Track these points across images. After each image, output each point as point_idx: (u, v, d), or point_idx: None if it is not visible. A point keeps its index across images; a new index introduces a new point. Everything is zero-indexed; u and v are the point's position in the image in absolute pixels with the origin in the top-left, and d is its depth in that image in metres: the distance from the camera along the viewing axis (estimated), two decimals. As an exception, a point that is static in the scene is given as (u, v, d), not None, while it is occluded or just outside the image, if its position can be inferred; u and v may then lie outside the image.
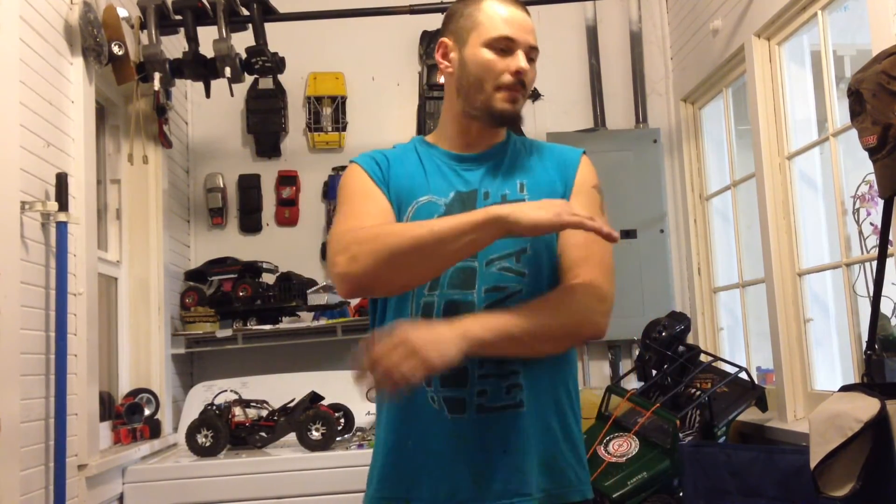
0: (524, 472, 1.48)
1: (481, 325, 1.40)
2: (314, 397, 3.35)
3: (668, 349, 3.33)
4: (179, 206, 3.98)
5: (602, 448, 3.06)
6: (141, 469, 3.08)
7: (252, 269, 3.88)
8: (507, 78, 1.54)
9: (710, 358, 3.45)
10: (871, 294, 2.39)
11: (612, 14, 4.39)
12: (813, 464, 2.16)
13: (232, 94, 3.59)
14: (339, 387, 3.50)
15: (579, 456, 1.56)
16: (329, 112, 4.22)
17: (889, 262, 2.36)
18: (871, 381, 2.30)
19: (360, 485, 1.61)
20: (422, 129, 4.10)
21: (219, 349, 3.84)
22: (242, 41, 3.37)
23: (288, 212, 4.19)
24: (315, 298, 3.77)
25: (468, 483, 1.47)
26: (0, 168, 2.19)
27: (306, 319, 3.90)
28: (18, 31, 2.34)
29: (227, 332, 3.77)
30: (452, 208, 1.54)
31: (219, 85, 3.45)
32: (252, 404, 3.42)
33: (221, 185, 4.14)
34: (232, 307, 3.81)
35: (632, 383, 3.67)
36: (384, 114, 4.25)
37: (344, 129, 4.22)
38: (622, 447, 3.04)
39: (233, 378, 3.71)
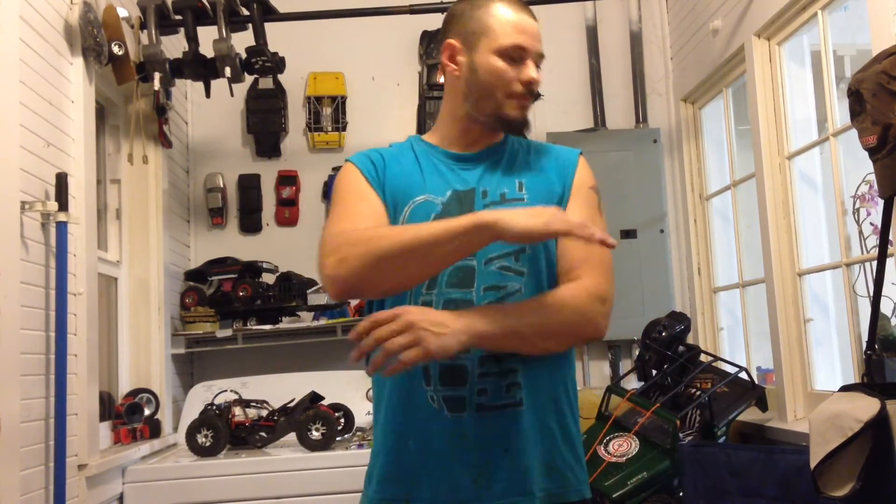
0: (524, 472, 1.48)
1: (486, 320, 1.40)
2: (314, 397, 3.35)
3: (668, 349, 3.33)
4: (179, 206, 3.98)
5: (602, 448, 3.06)
6: (141, 469, 3.08)
7: (252, 269, 3.88)
8: (518, 87, 1.55)
9: (710, 358, 3.45)
10: (871, 294, 2.39)
11: (612, 14, 4.39)
12: (813, 464, 2.16)
13: (232, 94, 3.59)
14: (339, 387, 3.51)
15: (578, 455, 1.56)
16: (329, 112, 4.22)
17: (889, 262, 2.36)
18: (871, 381, 2.30)
19: (360, 485, 1.60)
20: (422, 128, 4.10)
21: (219, 349, 3.84)
22: (242, 41, 3.37)
23: (288, 212, 4.19)
24: (315, 298, 3.77)
25: (469, 483, 1.47)
26: (0, 168, 2.19)
27: (306, 319, 3.90)
28: (18, 31, 2.34)
29: (227, 332, 3.77)
30: (449, 207, 1.54)
31: (219, 85, 3.45)
32: (252, 404, 3.42)
33: (221, 185, 4.14)
34: (232, 307, 3.81)
35: (632, 383, 3.67)
36: (384, 114, 4.25)
37: (344, 129, 4.22)
38: (622, 447, 3.04)
39: (233, 378, 3.71)
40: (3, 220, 2.19)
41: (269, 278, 3.92)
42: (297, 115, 4.26)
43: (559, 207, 1.49)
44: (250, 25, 3.35)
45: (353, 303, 3.84)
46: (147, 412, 3.35)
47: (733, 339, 3.91)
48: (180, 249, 3.96)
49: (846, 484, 2.11)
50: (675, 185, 4.22)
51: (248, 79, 3.77)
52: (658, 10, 4.38)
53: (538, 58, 1.57)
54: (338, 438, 3.29)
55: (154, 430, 3.35)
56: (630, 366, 3.91)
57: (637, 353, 3.76)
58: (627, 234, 4.09)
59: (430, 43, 4.21)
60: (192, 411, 3.53)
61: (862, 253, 2.78)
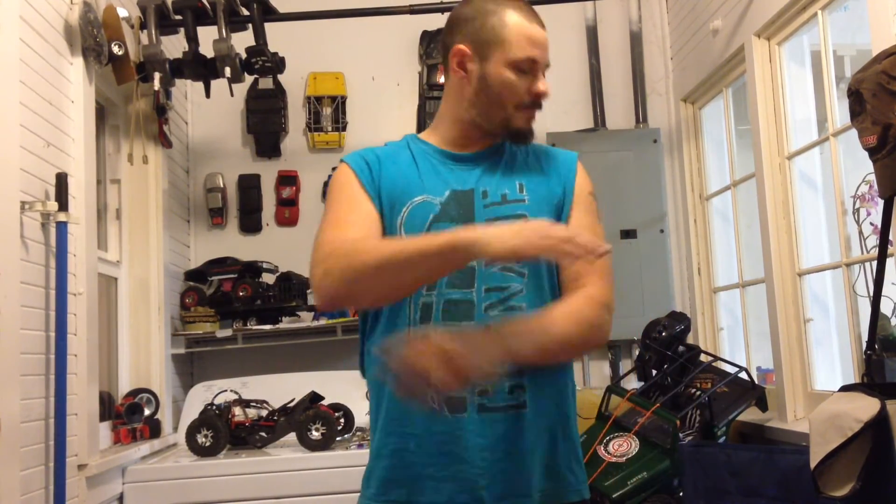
0: (525, 473, 1.48)
1: (521, 340, 1.40)
2: (314, 397, 3.35)
3: (668, 349, 3.33)
4: (179, 206, 3.98)
5: (602, 448, 3.06)
6: (141, 469, 3.08)
7: (252, 269, 3.88)
8: (527, 99, 1.55)
9: (710, 358, 3.45)
10: (871, 294, 2.39)
11: (612, 14, 4.39)
12: (813, 464, 2.16)
13: (232, 94, 3.59)
14: (339, 387, 3.51)
15: (577, 456, 1.57)
16: (329, 112, 4.22)
17: (889, 262, 2.36)
18: (871, 381, 2.30)
19: (360, 485, 1.60)
20: (422, 128, 4.10)
21: (219, 349, 3.84)
22: (242, 41, 3.37)
23: (288, 212, 4.19)
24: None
25: (470, 484, 1.46)
26: (0, 168, 2.19)
27: (306, 319, 3.90)
28: (18, 31, 2.34)
29: (227, 332, 3.78)
30: (448, 207, 1.53)
31: (219, 85, 3.45)
32: (252, 404, 3.42)
33: (221, 185, 4.14)
34: (232, 307, 3.81)
35: (632, 383, 3.67)
36: (384, 114, 4.25)
37: (344, 129, 4.22)
38: (622, 447, 3.04)
39: (233, 378, 3.71)
40: (3, 220, 2.19)
41: (269, 278, 3.92)
42: (297, 115, 4.26)
43: (545, 220, 1.43)
44: (250, 25, 3.35)
45: (354, 303, 3.84)
46: (147, 412, 3.35)
47: (733, 339, 3.91)
48: (180, 249, 3.96)
49: (846, 484, 2.11)
50: (675, 185, 4.22)
51: (248, 79, 3.77)
52: (658, 10, 4.38)
53: (545, 67, 1.57)
54: (338, 438, 3.29)
55: (154, 430, 3.35)
56: (630, 366, 3.91)
57: (637, 353, 3.76)
58: (627, 234, 4.09)
59: (430, 43, 4.21)
60: (192, 411, 3.53)
61: (862, 253, 2.78)
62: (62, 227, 2.50)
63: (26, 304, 2.31)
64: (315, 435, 3.19)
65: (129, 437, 3.21)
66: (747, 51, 3.31)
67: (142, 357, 3.51)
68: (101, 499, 2.80)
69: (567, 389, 1.57)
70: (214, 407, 3.36)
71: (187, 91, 4.18)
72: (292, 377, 3.70)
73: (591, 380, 4.12)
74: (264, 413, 3.39)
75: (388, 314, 1.52)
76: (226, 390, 3.51)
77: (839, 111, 2.83)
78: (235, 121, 4.25)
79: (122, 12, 3.05)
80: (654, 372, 3.36)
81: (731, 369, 3.28)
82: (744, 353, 3.67)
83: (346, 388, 3.55)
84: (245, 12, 3.33)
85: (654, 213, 4.14)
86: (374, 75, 4.30)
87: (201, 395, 3.61)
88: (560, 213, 1.58)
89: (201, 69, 3.36)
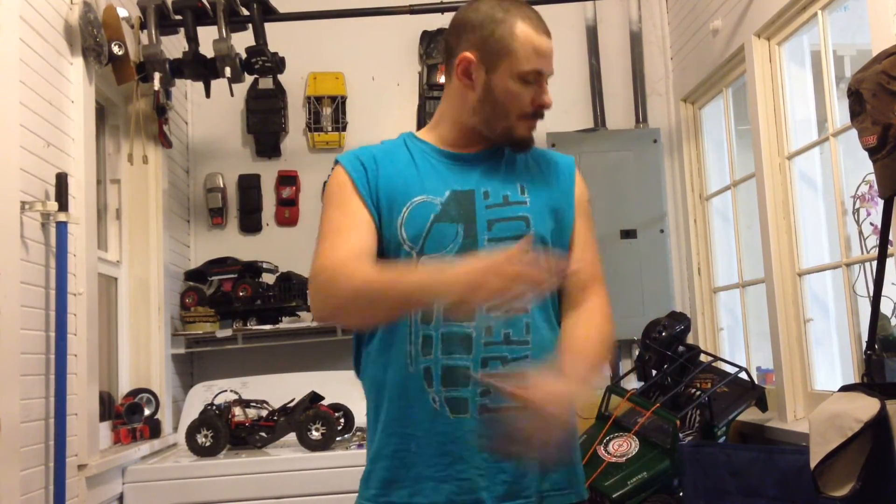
0: (527, 474, 1.48)
1: (586, 369, 1.46)
2: (314, 397, 3.35)
3: (668, 349, 3.33)
4: (179, 206, 3.98)
5: (602, 448, 3.06)
6: (141, 469, 3.08)
7: (252, 269, 3.88)
8: (530, 109, 1.55)
9: (710, 358, 3.45)
10: (871, 294, 2.39)
11: (612, 14, 4.38)
12: (813, 464, 2.16)
13: (232, 94, 3.59)
14: (339, 387, 3.50)
15: (576, 457, 1.58)
16: (329, 112, 4.22)
17: (889, 262, 2.36)
18: (871, 381, 2.30)
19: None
20: (422, 128, 4.09)
21: (219, 349, 3.84)
22: (242, 41, 3.37)
23: (288, 212, 4.19)
24: (315, 298, 3.76)
25: (472, 485, 1.46)
26: (0, 168, 2.19)
27: (306, 319, 3.90)
28: (18, 31, 2.34)
29: (227, 332, 3.78)
30: (448, 207, 1.52)
31: (219, 85, 3.45)
32: (252, 404, 3.42)
33: (221, 185, 4.14)
34: (232, 307, 3.81)
35: (632, 383, 3.67)
36: (384, 114, 4.25)
37: (344, 129, 4.22)
38: (622, 447, 3.03)
39: (233, 378, 3.71)
40: (3, 220, 2.19)
41: (269, 278, 3.92)
42: (297, 115, 4.26)
43: (498, 255, 1.33)
44: (250, 25, 3.35)
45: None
46: (147, 412, 3.35)
47: (733, 339, 3.91)
48: (180, 249, 3.96)
49: (846, 484, 2.11)
50: (675, 185, 4.22)
51: (248, 79, 3.77)
52: (658, 10, 4.38)
53: (549, 76, 1.58)
54: (338, 438, 3.30)
55: (154, 430, 3.35)
56: (630, 366, 3.91)
57: (637, 353, 3.76)
58: (627, 234, 4.09)
59: (430, 43, 4.21)
60: (192, 411, 3.53)
61: (862, 253, 2.78)
62: (62, 227, 2.50)
63: (26, 304, 2.31)
64: (315, 435, 3.19)
65: (129, 437, 3.21)
66: (747, 51, 3.31)
67: (142, 357, 3.51)
68: (101, 499, 2.80)
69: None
70: (214, 407, 3.36)
71: (187, 91, 4.18)
72: (292, 377, 3.70)
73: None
74: (264, 413, 3.39)
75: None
76: (226, 390, 3.51)
77: (839, 111, 2.83)
78: (235, 121, 4.25)
79: (122, 12, 3.05)
80: (654, 372, 3.36)
81: (731, 369, 3.28)
82: (744, 353, 3.67)
83: (346, 388, 3.55)
84: (245, 12, 3.33)
85: (654, 213, 4.14)
86: (374, 75, 4.30)
87: (201, 395, 3.62)
88: (559, 217, 1.59)
89: (201, 69, 3.36)
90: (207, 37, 3.30)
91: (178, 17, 3.31)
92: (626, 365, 4.06)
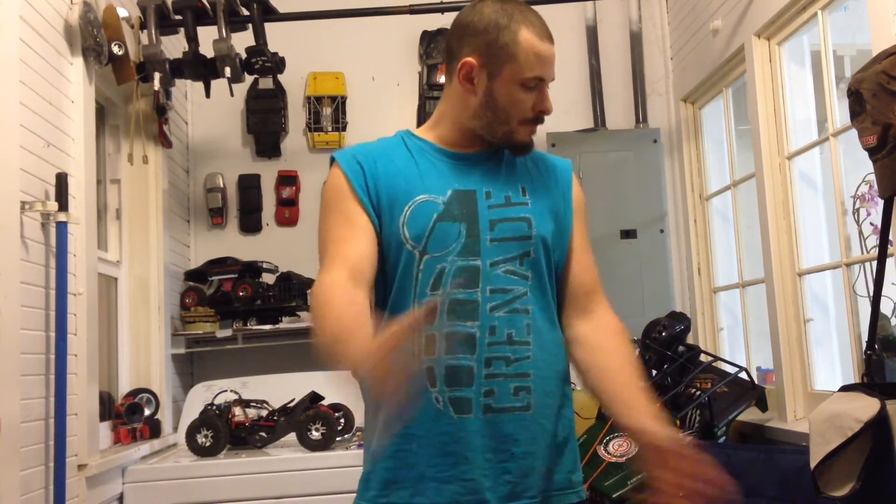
0: (529, 475, 1.48)
1: (649, 403, 1.50)
2: (314, 397, 3.35)
3: (668, 349, 3.33)
4: (179, 206, 3.98)
5: (602, 448, 3.06)
6: (141, 469, 3.08)
7: (252, 269, 3.88)
8: (531, 114, 1.55)
9: (710, 358, 3.45)
10: (871, 294, 2.39)
11: (612, 14, 4.39)
12: (813, 464, 2.16)
13: (232, 94, 3.59)
14: (340, 387, 3.50)
15: (575, 458, 1.58)
16: (329, 112, 4.22)
17: (889, 262, 2.36)
18: (871, 381, 2.30)
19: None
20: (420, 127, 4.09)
21: (219, 349, 3.84)
22: (242, 41, 3.37)
23: (288, 212, 4.19)
24: (315, 298, 3.76)
25: (476, 485, 1.46)
26: (0, 168, 2.19)
27: (306, 319, 3.90)
28: (18, 31, 2.34)
29: (227, 332, 3.77)
30: (451, 206, 1.52)
31: (219, 85, 3.45)
32: (252, 404, 3.42)
33: (221, 185, 4.14)
34: (232, 307, 3.81)
35: (632, 383, 3.66)
36: (384, 114, 4.25)
37: (344, 129, 4.22)
38: (622, 447, 3.03)
39: (233, 378, 3.70)
40: (3, 220, 2.19)
41: (269, 278, 3.91)
42: (297, 115, 4.26)
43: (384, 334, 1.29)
44: (250, 25, 3.35)
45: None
46: (147, 412, 3.35)
47: (733, 339, 3.91)
48: (180, 249, 3.96)
49: (846, 484, 2.11)
50: (675, 185, 4.22)
51: (248, 79, 3.77)
52: (658, 10, 4.38)
53: (550, 81, 1.58)
54: (338, 438, 3.29)
55: (154, 430, 3.35)
56: (630, 366, 3.90)
57: (637, 353, 3.76)
58: (627, 234, 4.08)
59: (430, 43, 4.21)
60: (192, 411, 3.53)
61: (862, 253, 2.78)
62: (62, 227, 2.50)
63: (26, 304, 2.31)
64: (315, 435, 3.19)
65: (129, 437, 3.21)
66: (747, 51, 3.31)
67: (142, 357, 3.51)
68: (101, 499, 2.80)
69: (567, 392, 1.58)
70: (214, 407, 3.36)
71: (187, 91, 4.18)
72: (292, 377, 3.70)
73: (591, 380, 4.11)
74: (264, 413, 3.39)
75: (389, 313, 1.50)
76: (226, 390, 3.51)
77: (839, 111, 2.83)
78: (235, 121, 4.25)
79: (122, 12, 3.05)
80: (654, 372, 3.36)
81: (731, 369, 3.28)
82: (744, 353, 3.67)
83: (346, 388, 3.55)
84: (245, 12, 3.33)
85: (654, 213, 4.14)
86: (374, 75, 4.30)
87: (201, 395, 3.61)
88: (559, 220, 1.60)
89: (201, 69, 3.36)
90: (207, 37, 3.30)
91: (178, 17, 3.31)
92: (626, 365, 4.06)
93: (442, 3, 3.28)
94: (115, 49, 2.93)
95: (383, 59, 4.30)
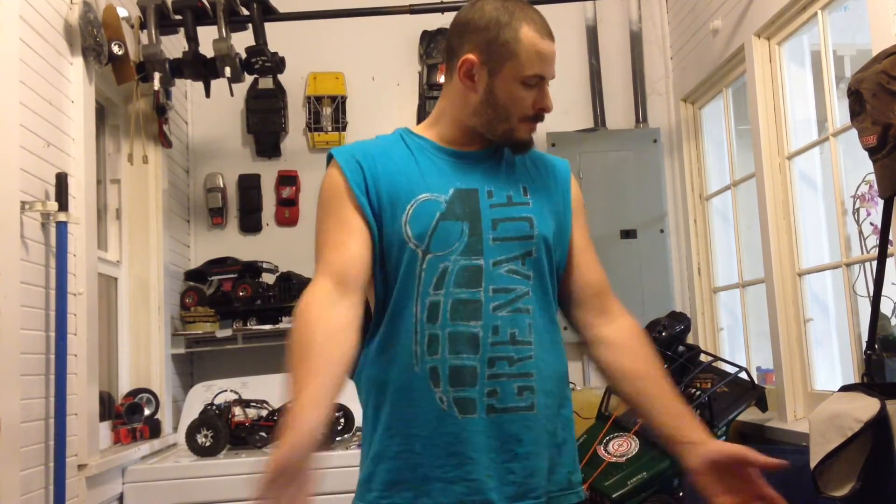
0: (533, 475, 1.47)
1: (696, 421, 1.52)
2: (314, 397, 3.34)
3: (668, 349, 3.33)
4: (179, 206, 3.98)
5: (602, 448, 3.06)
6: (141, 469, 3.08)
7: (252, 269, 3.88)
8: (531, 112, 1.55)
9: (710, 358, 3.45)
10: (871, 294, 2.39)
11: (612, 14, 4.39)
12: (813, 464, 2.16)
13: (232, 94, 3.59)
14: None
15: (575, 459, 1.57)
16: (329, 112, 4.22)
17: (889, 262, 2.36)
18: (871, 381, 2.30)
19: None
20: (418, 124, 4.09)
21: (219, 349, 3.84)
22: (242, 41, 3.37)
23: (288, 212, 4.19)
24: (315, 298, 3.76)
25: (481, 486, 1.45)
26: (0, 168, 2.19)
27: (306, 319, 3.89)
28: (18, 31, 2.34)
29: (227, 332, 3.78)
30: (453, 205, 1.51)
31: (219, 85, 3.45)
32: (252, 404, 3.42)
33: (221, 185, 4.14)
34: (232, 307, 3.81)
35: (632, 383, 3.66)
36: (384, 114, 4.25)
37: (344, 128, 4.22)
38: (622, 447, 3.04)
39: (233, 378, 3.70)
40: (3, 220, 2.19)
41: (269, 278, 3.92)
42: (297, 115, 4.26)
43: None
44: (250, 25, 3.35)
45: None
46: (147, 412, 3.35)
47: (733, 339, 3.91)
48: (180, 249, 3.96)
49: (846, 484, 2.11)
50: (675, 185, 4.22)
51: (248, 79, 3.77)
52: (658, 10, 4.38)
53: (551, 79, 1.57)
54: (338, 438, 3.29)
55: (154, 430, 3.35)
56: (630, 366, 3.90)
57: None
58: (627, 234, 4.09)
59: (430, 43, 4.21)
60: (192, 411, 3.53)
61: (862, 253, 2.78)
62: (62, 227, 2.50)
63: (26, 304, 2.31)
64: (315, 435, 3.19)
65: (129, 437, 3.21)
66: (747, 51, 3.31)
67: (142, 357, 3.51)
68: (101, 499, 2.80)
69: (567, 392, 1.58)
70: (214, 407, 3.36)
71: (187, 91, 4.18)
72: (292, 377, 3.69)
73: (591, 380, 4.12)
74: (264, 413, 3.39)
75: (391, 314, 1.50)
76: (226, 390, 3.51)
77: (839, 111, 2.83)
78: (235, 121, 4.25)
79: (122, 12, 3.05)
80: (654, 372, 3.36)
81: (731, 369, 3.28)
82: (744, 353, 3.67)
83: (346, 388, 3.55)
84: (245, 12, 3.33)
85: (654, 213, 4.14)
86: (374, 75, 4.30)
87: (201, 395, 3.61)
88: (559, 220, 1.59)
89: (201, 69, 3.36)
90: (207, 37, 3.30)
91: (178, 17, 3.31)
92: (626, 365, 4.06)
93: (442, 2, 3.28)
94: (115, 49, 2.93)
95: (383, 59, 4.30)
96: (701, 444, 1.45)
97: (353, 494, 1.56)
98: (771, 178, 3.22)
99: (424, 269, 1.48)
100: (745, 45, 3.32)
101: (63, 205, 2.49)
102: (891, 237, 2.34)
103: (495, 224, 1.51)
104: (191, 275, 3.94)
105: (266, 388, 3.58)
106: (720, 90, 3.81)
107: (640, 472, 2.93)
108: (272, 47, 3.37)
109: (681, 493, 2.94)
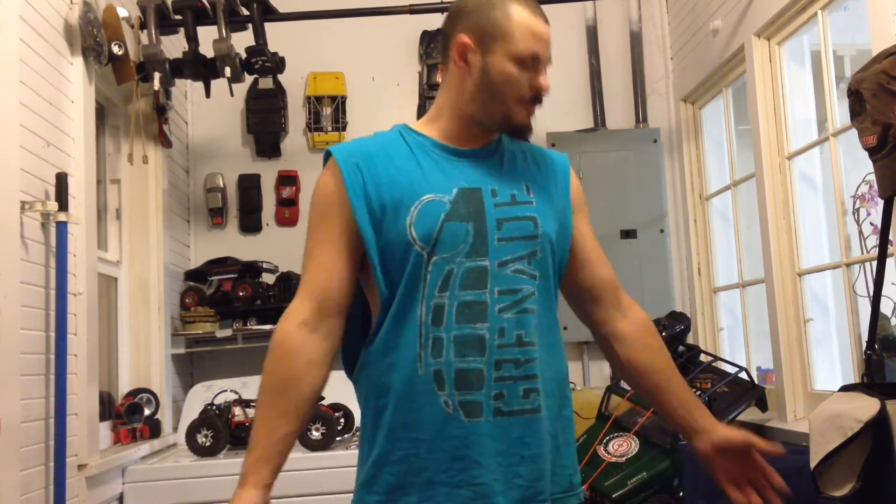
0: (540, 478, 1.47)
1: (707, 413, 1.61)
2: (314, 397, 3.34)
3: (669, 349, 3.32)
4: (179, 206, 3.98)
5: (602, 448, 3.06)
6: (141, 469, 3.08)
7: (252, 269, 3.88)
8: (528, 93, 1.53)
9: (710, 358, 3.45)
10: (871, 294, 2.39)
11: (612, 14, 4.39)
12: (813, 464, 2.16)
13: (232, 94, 3.59)
14: (339, 387, 3.49)
15: (574, 460, 1.57)
16: (329, 112, 4.22)
17: (889, 262, 2.36)
18: (871, 381, 2.30)
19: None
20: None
21: (219, 349, 3.84)
22: (242, 41, 3.37)
23: (288, 212, 4.19)
24: (315, 298, 3.76)
25: (487, 490, 1.43)
26: (0, 168, 2.19)
27: (306, 319, 3.89)
28: (18, 31, 2.34)
29: (227, 332, 3.78)
30: (458, 206, 1.49)
31: (219, 85, 3.45)
32: (252, 404, 3.41)
33: (221, 185, 4.14)
34: (232, 307, 3.81)
35: (632, 383, 3.66)
36: (384, 114, 4.24)
37: (344, 128, 4.22)
38: (622, 447, 3.04)
39: (233, 378, 3.70)
40: (3, 220, 2.19)
41: (269, 278, 3.92)
42: (297, 115, 4.26)
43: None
44: (250, 25, 3.35)
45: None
46: (147, 412, 3.35)
47: (733, 339, 3.91)
48: (180, 249, 3.96)
49: (846, 484, 2.11)
50: (675, 185, 4.22)
51: (248, 79, 3.77)
52: (658, 10, 4.38)
53: (547, 63, 1.55)
54: (338, 438, 3.30)
55: (154, 430, 3.35)
56: (630, 366, 3.90)
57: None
58: (627, 234, 4.09)
59: (430, 43, 4.21)
60: (192, 411, 3.53)
61: (862, 253, 2.78)
62: (62, 227, 2.50)
63: (26, 304, 2.31)
64: (315, 435, 3.19)
65: (129, 437, 3.21)
66: (747, 51, 3.31)
67: (142, 357, 3.51)
68: (101, 499, 2.80)
69: (568, 392, 1.57)
70: (214, 407, 3.36)
71: (187, 91, 4.18)
72: (292, 377, 3.69)
73: (591, 380, 4.12)
74: (264, 413, 3.39)
75: (394, 316, 1.48)
76: (226, 390, 3.51)
77: (839, 111, 2.83)
78: (235, 121, 4.25)
79: (122, 12, 3.05)
80: (654, 372, 3.36)
81: (731, 369, 3.28)
82: (744, 353, 3.67)
83: (345, 388, 3.54)
84: (245, 12, 3.33)
85: (654, 213, 4.14)
86: (374, 75, 4.30)
87: (201, 395, 3.61)
88: (561, 216, 1.58)
89: (201, 69, 3.36)
90: (207, 37, 3.30)
91: (178, 17, 3.31)
92: (626, 365, 4.06)
93: (442, 2, 3.28)
94: (115, 49, 2.93)
95: (383, 59, 4.30)
96: (711, 431, 1.56)
97: (352, 494, 1.55)
98: (771, 178, 3.22)
99: (430, 272, 1.46)
100: (745, 45, 3.32)
101: (63, 205, 2.49)
102: (891, 237, 2.33)
103: (500, 224, 1.49)
104: (191, 275, 3.94)
105: (266, 388, 3.57)
106: (720, 90, 3.81)
107: (640, 472, 2.93)
108: (272, 47, 3.37)
109: (681, 493, 2.94)
